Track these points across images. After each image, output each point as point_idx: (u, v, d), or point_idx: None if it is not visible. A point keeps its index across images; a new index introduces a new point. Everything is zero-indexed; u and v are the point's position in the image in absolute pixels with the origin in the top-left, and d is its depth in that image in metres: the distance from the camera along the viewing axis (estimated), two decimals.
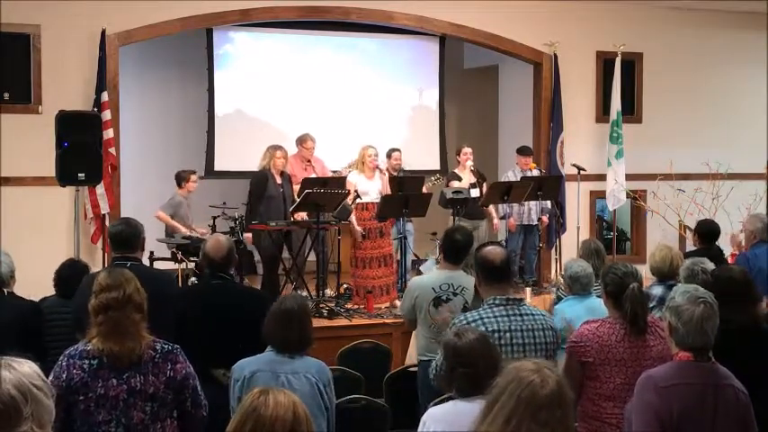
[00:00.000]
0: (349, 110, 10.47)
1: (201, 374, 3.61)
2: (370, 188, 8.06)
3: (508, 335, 3.66)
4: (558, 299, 5.72)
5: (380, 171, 8.13)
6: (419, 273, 6.84)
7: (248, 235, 7.82)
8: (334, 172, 9.07)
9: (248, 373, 3.90)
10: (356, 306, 7.88)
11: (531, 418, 2.30)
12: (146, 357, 3.29)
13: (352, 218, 7.83)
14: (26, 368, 2.08)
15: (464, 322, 3.72)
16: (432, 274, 5.06)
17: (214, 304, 4.47)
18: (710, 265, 4.95)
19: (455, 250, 4.92)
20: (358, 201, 7.93)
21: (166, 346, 3.37)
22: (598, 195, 10.24)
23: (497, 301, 3.75)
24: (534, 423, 2.29)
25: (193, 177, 8.70)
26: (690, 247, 7.50)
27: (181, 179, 8.63)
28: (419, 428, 3.17)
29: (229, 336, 4.36)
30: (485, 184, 8.90)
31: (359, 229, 7.89)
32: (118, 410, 3.25)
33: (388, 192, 8.14)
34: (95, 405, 3.24)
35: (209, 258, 4.56)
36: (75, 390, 3.23)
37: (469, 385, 3.11)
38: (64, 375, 3.25)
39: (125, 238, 4.51)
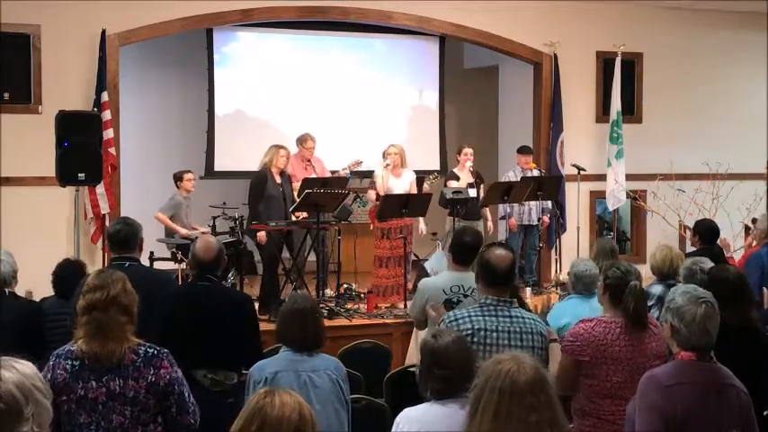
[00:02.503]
0: (349, 110, 10.46)
1: (184, 376, 3.57)
2: (395, 186, 8.05)
3: (494, 335, 3.64)
4: (560, 297, 5.71)
5: (385, 170, 8.10)
6: (423, 270, 6.80)
7: (261, 234, 7.76)
8: (332, 172, 9.06)
9: (269, 374, 3.92)
10: (356, 306, 7.88)
11: (518, 405, 2.30)
12: (126, 361, 3.24)
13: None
14: (27, 369, 2.07)
15: (451, 318, 3.74)
16: (442, 276, 5.00)
17: (199, 306, 4.45)
18: (710, 265, 4.93)
19: (464, 252, 4.83)
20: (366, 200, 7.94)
21: (151, 351, 3.30)
22: (598, 195, 10.23)
23: (489, 301, 3.75)
24: (521, 408, 2.30)
25: (188, 176, 8.63)
26: (690, 247, 7.49)
27: (176, 179, 8.62)
28: (392, 429, 3.14)
29: (212, 338, 4.35)
30: (482, 186, 8.89)
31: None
32: (97, 413, 3.22)
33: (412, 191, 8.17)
34: (76, 406, 3.22)
35: (197, 259, 4.53)
36: (58, 390, 3.19)
37: (445, 387, 3.09)
38: (49, 375, 3.22)
39: (123, 239, 4.50)
